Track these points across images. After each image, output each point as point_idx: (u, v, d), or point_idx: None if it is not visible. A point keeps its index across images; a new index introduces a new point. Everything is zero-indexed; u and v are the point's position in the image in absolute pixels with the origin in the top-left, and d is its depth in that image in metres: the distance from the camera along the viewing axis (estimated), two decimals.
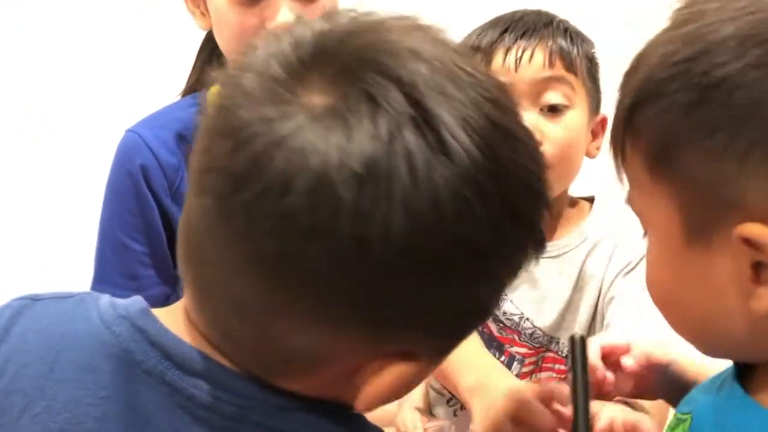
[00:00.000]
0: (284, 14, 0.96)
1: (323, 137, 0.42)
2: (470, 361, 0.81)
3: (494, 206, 0.44)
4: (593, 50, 1.02)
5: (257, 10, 0.97)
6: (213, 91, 1.11)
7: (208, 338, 0.50)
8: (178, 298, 0.54)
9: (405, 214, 0.42)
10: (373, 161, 0.42)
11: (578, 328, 0.99)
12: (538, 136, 0.89)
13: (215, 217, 0.46)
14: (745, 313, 0.46)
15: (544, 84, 0.95)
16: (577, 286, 1.00)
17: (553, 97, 0.95)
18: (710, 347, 0.52)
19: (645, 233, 0.52)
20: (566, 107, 0.96)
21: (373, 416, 1.03)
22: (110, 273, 1.06)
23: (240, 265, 0.45)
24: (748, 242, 0.44)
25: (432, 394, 1.10)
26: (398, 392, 0.51)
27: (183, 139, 1.06)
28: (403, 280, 0.44)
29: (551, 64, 0.95)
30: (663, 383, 0.69)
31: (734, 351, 0.50)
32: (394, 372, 0.48)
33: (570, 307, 1.00)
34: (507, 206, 0.45)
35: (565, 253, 1.00)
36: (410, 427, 0.96)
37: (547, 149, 0.92)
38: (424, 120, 0.43)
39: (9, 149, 1.84)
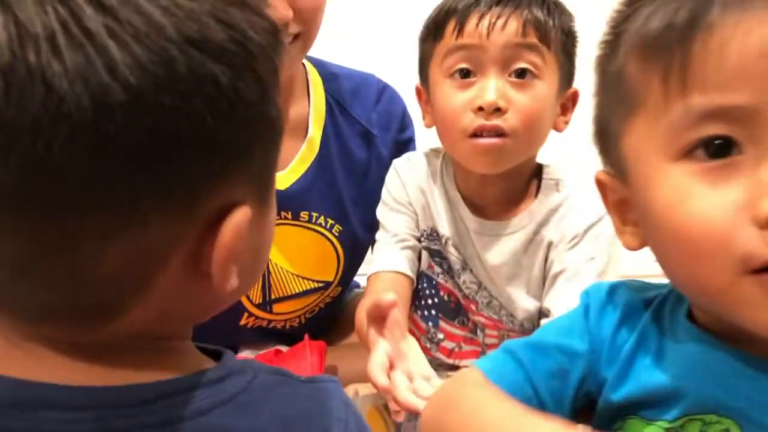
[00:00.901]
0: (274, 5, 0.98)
1: None
2: None
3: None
4: (572, 23, 1.00)
5: None
6: None
7: (31, 341, 0.46)
8: None
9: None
10: None
11: (526, 296, 1.03)
12: (503, 103, 0.93)
13: None
14: None
15: (515, 51, 0.95)
16: (524, 261, 1.03)
17: (522, 65, 0.95)
18: None
19: None
20: (535, 77, 0.96)
21: (344, 374, 1.07)
22: None
23: None
24: None
25: None
26: (255, 243, 0.49)
27: None
28: (122, 113, 0.40)
29: (524, 33, 0.94)
30: None
31: None
32: (232, 234, 0.45)
33: (517, 277, 1.04)
34: None
35: (515, 232, 1.03)
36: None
37: (512, 118, 0.95)
38: None
39: None
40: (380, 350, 0.86)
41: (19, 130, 0.39)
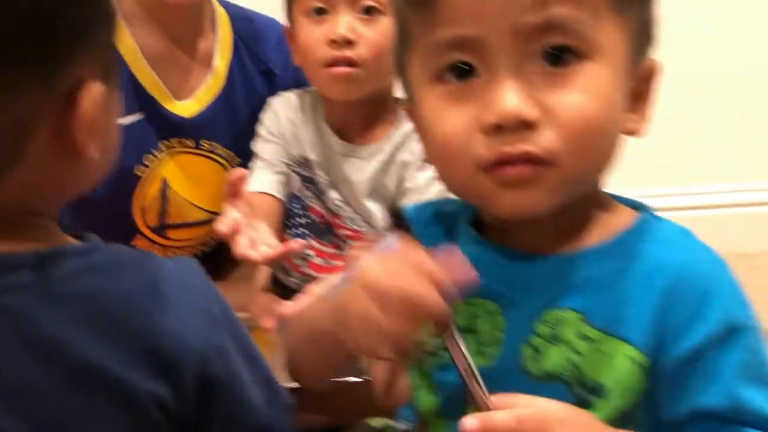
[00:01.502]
0: None
1: None
2: None
3: None
4: None
5: None
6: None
7: None
8: None
9: None
10: None
11: (384, 210, 1.15)
12: (353, 36, 1.07)
13: None
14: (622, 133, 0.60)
15: None
16: (382, 179, 1.15)
17: (368, 2, 1.09)
18: (607, 162, 0.61)
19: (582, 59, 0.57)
20: (380, 13, 1.09)
21: None
22: None
23: None
24: (651, 72, 0.59)
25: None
26: (107, 119, 0.58)
27: None
28: None
29: None
30: None
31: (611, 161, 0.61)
32: (91, 104, 0.55)
33: (376, 193, 1.16)
34: None
35: (375, 154, 1.15)
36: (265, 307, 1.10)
37: (362, 50, 1.08)
38: None
39: None
40: (228, 214, 1.01)
41: None
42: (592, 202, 0.62)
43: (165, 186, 1.26)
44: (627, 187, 0.67)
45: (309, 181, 1.20)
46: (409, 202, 1.09)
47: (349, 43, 1.08)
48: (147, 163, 1.23)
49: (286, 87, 1.31)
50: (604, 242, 0.61)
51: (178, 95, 1.25)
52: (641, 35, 0.60)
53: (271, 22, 1.33)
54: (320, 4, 1.10)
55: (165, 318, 0.56)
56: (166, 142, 1.24)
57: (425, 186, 1.09)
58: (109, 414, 0.54)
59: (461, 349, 0.56)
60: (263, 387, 0.61)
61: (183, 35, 1.24)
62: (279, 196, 1.19)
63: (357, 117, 1.16)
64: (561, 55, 0.57)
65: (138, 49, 1.21)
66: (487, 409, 0.53)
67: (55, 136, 0.54)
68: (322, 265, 1.20)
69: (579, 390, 0.58)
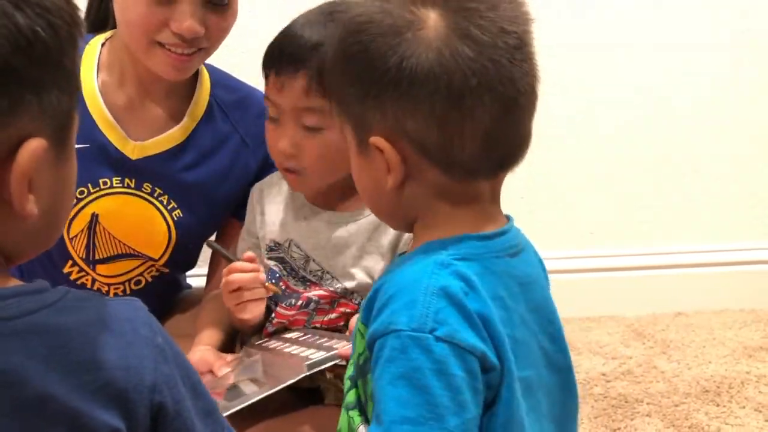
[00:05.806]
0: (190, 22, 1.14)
1: None
2: None
3: None
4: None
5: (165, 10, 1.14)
6: (98, 39, 1.23)
7: None
8: None
9: None
10: None
11: (361, 270, 1.17)
12: (294, 150, 1.12)
13: None
14: (386, 189, 0.74)
15: (302, 112, 1.12)
16: (367, 246, 1.17)
17: (309, 121, 1.11)
18: (378, 212, 0.82)
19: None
20: (321, 129, 1.11)
21: None
22: None
23: None
24: (377, 148, 0.72)
25: None
26: (54, 178, 0.59)
27: None
28: None
29: (308, 93, 1.09)
30: None
31: (387, 215, 0.81)
32: (28, 158, 0.55)
33: (359, 260, 1.17)
34: None
35: (357, 219, 1.17)
36: (213, 359, 1.14)
37: (303, 161, 1.13)
38: None
39: None
40: None
41: None
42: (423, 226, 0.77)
43: (94, 221, 1.26)
44: None
45: (281, 261, 1.22)
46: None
47: (292, 154, 1.13)
48: (79, 195, 1.25)
49: (257, 160, 1.33)
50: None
51: (136, 137, 1.26)
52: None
53: (254, 94, 1.33)
54: (273, 114, 1.14)
55: (116, 351, 0.59)
56: (105, 179, 1.25)
57: None
58: None
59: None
60: (206, 419, 0.64)
61: (157, 91, 1.26)
62: None
63: (335, 195, 1.19)
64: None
65: (99, 95, 1.24)
66: None
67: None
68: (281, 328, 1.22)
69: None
